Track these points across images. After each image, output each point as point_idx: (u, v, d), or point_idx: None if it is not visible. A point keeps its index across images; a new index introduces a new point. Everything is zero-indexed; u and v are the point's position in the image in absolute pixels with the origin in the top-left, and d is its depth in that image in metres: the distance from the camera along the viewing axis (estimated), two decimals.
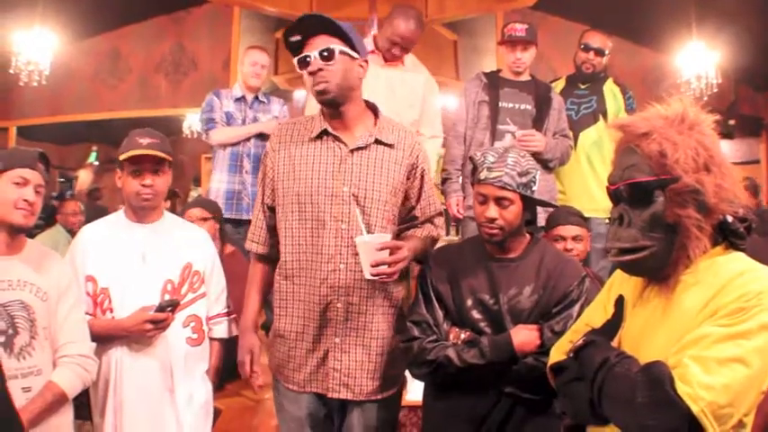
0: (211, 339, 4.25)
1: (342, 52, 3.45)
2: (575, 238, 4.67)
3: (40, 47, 9.53)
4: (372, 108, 3.72)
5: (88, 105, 11.66)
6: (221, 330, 4.28)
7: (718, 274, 2.20)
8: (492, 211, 3.36)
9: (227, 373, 5.66)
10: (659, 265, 2.31)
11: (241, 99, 7.20)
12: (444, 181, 5.95)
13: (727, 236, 2.28)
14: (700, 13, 8.65)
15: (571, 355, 2.49)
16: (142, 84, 11.53)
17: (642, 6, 9.08)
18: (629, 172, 2.34)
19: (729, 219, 2.27)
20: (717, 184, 2.22)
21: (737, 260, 2.25)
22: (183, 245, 4.12)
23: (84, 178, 13.54)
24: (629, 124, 2.40)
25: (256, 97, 7.24)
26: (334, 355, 3.55)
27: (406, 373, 3.77)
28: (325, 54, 3.42)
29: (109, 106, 11.64)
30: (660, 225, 2.26)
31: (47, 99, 11.00)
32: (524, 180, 3.36)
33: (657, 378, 2.10)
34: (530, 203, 3.46)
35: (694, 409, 2.02)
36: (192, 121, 11.47)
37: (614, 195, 2.40)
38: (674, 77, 9.36)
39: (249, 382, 3.81)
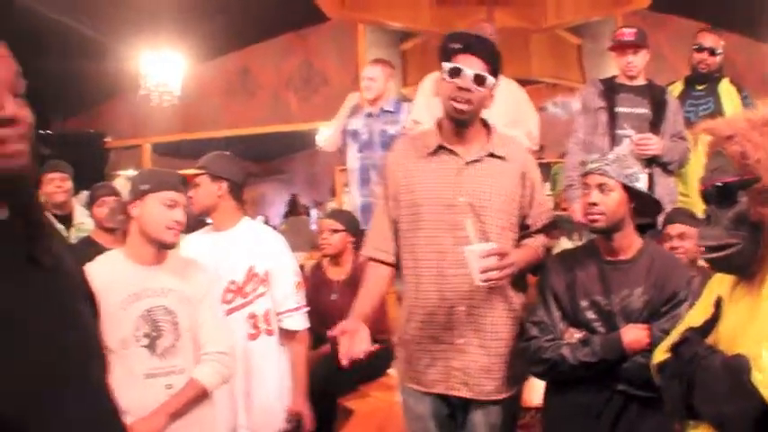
0: (286, 332, 4.67)
1: (489, 82, 3.64)
2: (680, 236, 4.73)
3: (168, 68, 9.85)
4: (485, 124, 3.88)
5: (220, 122, 11.94)
6: (292, 323, 4.66)
7: None
8: (594, 196, 3.56)
9: (359, 375, 5.92)
10: (745, 263, 2.40)
11: (369, 114, 7.35)
12: (568, 187, 6.01)
13: None
14: None
15: (669, 352, 2.62)
16: (273, 100, 11.78)
17: (763, 1, 8.96)
18: (715, 174, 2.45)
19: None
20: None
21: None
22: (248, 249, 4.49)
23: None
24: (714, 128, 2.52)
25: (382, 108, 7.33)
26: (457, 356, 3.72)
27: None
28: (478, 78, 3.60)
29: (240, 122, 11.93)
30: (745, 223, 2.35)
31: (179, 116, 11.25)
32: (626, 172, 3.58)
33: (735, 368, 2.22)
34: (635, 197, 3.62)
35: (767, 395, 2.11)
36: (323, 135, 11.75)
37: (704, 196, 2.51)
38: None
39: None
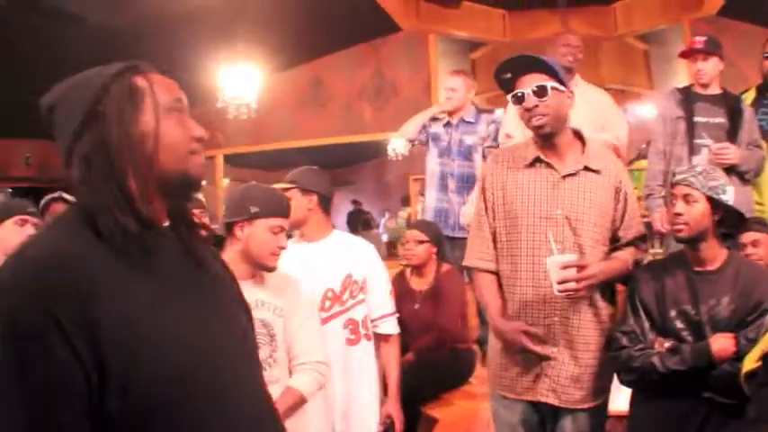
0: (381, 337, 4.81)
1: (553, 88, 3.73)
2: (754, 244, 4.77)
3: (244, 81, 9.96)
4: (579, 136, 3.98)
5: (292, 132, 12.11)
6: (387, 327, 4.82)
7: None
8: (679, 207, 3.69)
9: (442, 383, 6.02)
10: None
11: (449, 124, 7.44)
12: (648, 197, 6.04)
13: None
14: None
15: (760, 362, 2.72)
16: (345, 110, 11.94)
17: None
18: None
19: None
20: None
21: None
22: (345, 258, 4.62)
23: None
24: None
25: (462, 119, 7.40)
26: (548, 364, 3.81)
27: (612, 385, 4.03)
28: (538, 91, 3.71)
29: (312, 133, 12.09)
30: None
31: (251, 128, 11.35)
32: (711, 184, 3.69)
33: None
34: (719, 209, 3.73)
35: None
36: (395, 144, 11.81)
37: None
38: None
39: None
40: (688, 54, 6.03)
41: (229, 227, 3.84)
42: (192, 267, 1.96)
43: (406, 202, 12.71)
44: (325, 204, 4.67)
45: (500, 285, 4.00)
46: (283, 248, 3.82)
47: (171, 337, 1.77)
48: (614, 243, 3.98)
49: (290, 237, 4.57)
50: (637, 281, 3.89)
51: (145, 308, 1.74)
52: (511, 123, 6.17)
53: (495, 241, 4.01)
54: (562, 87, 3.78)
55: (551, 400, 3.84)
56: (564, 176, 3.84)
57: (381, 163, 13.19)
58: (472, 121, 7.42)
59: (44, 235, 1.82)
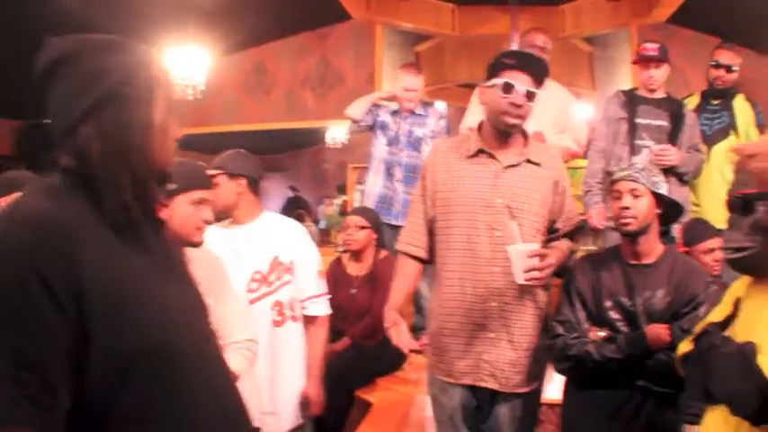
0: (309, 318, 4.78)
1: (536, 97, 3.84)
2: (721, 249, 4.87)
3: (193, 63, 9.88)
4: (523, 132, 4.04)
5: (236, 116, 11.95)
6: (316, 308, 4.79)
7: None
8: (626, 201, 3.78)
9: (376, 369, 6.06)
10: (760, 264, 2.65)
11: (397, 113, 7.51)
12: (586, 193, 6.15)
13: None
14: None
15: (691, 343, 2.85)
16: (289, 96, 11.85)
17: None
18: (738, 186, 2.73)
19: None
20: None
21: None
22: (272, 240, 4.61)
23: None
24: (742, 148, 2.81)
25: (412, 111, 7.47)
26: (487, 349, 3.86)
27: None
28: (530, 95, 3.79)
29: (255, 118, 12.00)
30: (761, 229, 2.60)
31: (194, 111, 11.25)
32: (653, 180, 3.82)
33: (744, 352, 2.46)
34: (660, 203, 3.85)
35: None
36: (335, 133, 11.79)
37: (728, 205, 2.77)
38: None
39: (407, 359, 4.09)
40: (641, 61, 6.15)
41: None
42: (165, 246, 2.06)
43: (342, 190, 12.69)
44: (254, 187, 4.66)
45: (434, 274, 4.06)
46: (208, 222, 3.72)
47: (153, 306, 1.84)
48: (551, 234, 4.07)
49: (219, 221, 4.59)
50: (573, 272, 3.99)
51: (129, 277, 1.80)
52: (472, 119, 6.22)
53: (432, 228, 4.06)
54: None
55: (491, 384, 3.89)
56: (506, 167, 3.90)
57: (320, 150, 13.16)
58: (422, 113, 7.52)
59: (32, 199, 1.84)
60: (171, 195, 3.62)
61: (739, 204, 2.70)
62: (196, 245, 3.72)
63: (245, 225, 4.63)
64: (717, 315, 2.92)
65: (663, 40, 6.42)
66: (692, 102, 6.68)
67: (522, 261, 3.61)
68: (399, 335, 3.93)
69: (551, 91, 6.23)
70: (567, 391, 4.00)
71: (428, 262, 4.13)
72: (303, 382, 4.78)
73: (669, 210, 3.94)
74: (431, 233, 4.07)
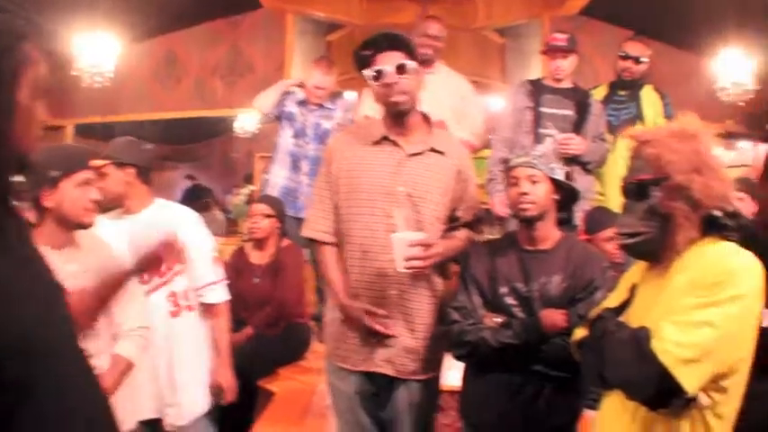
0: (207, 306, 4.75)
1: (411, 67, 3.79)
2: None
3: (102, 49, 9.71)
4: (426, 119, 4.04)
5: (146, 105, 11.82)
6: (213, 296, 4.75)
7: (703, 256, 2.55)
8: (525, 186, 3.74)
9: (279, 358, 6.00)
10: (655, 249, 2.69)
11: (304, 103, 7.45)
12: (489, 181, 6.19)
13: (718, 228, 2.60)
14: (740, 19, 8.65)
15: (586, 329, 2.86)
16: (199, 85, 11.71)
17: (685, 11, 8.99)
18: (633, 172, 2.75)
19: (717, 213, 2.60)
20: (705, 184, 2.58)
21: (723, 247, 2.58)
22: (165, 229, 4.44)
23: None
24: (637, 135, 2.84)
25: (321, 104, 7.44)
26: (384, 336, 3.86)
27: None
28: (399, 68, 3.76)
29: (165, 106, 11.88)
30: (655, 215, 2.65)
31: (104, 99, 11.07)
32: (550, 166, 3.80)
33: (638, 338, 2.48)
34: (557, 189, 3.84)
35: (665, 360, 2.37)
36: (244, 122, 11.70)
37: (623, 191, 2.81)
38: (711, 83, 9.39)
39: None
40: (549, 51, 6.19)
41: (37, 202, 3.58)
42: (27, 242, 1.92)
43: (249, 179, 12.60)
44: (144, 175, 4.61)
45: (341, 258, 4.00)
46: (95, 201, 3.66)
47: (29, 307, 1.75)
48: (452, 222, 4.06)
49: (109, 211, 4.50)
50: (469, 258, 3.95)
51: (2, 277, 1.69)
52: (368, 105, 6.17)
53: (336, 215, 4.02)
54: (415, 66, 3.84)
55: (387, 370, 3.91)
56: (409, 155, 3.89)
57: (230, 139, 13.08)
58: (330, 106, 7.48)
59: None
60: (55, 181, 3.55)
61: (634, 190, 2.74)
62: (87, 226, 3.69)
63: (136, 215, 4.58)
64: (612, 301, 2.94)
65: (575, 32, 6.43)
66: (599, 92, 6.76)
67: (403, 249, 3.65)
68: (372, 321, 3.87)
69: (449, 79, 6.26)
70: (465, 378, 3.97)
71: (337, 245, 4.08)
72: (204, 372, 4.75)
73: (566, 196, 3.92)
74: (335, 219, 4.04)
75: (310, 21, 10.71)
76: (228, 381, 4.80)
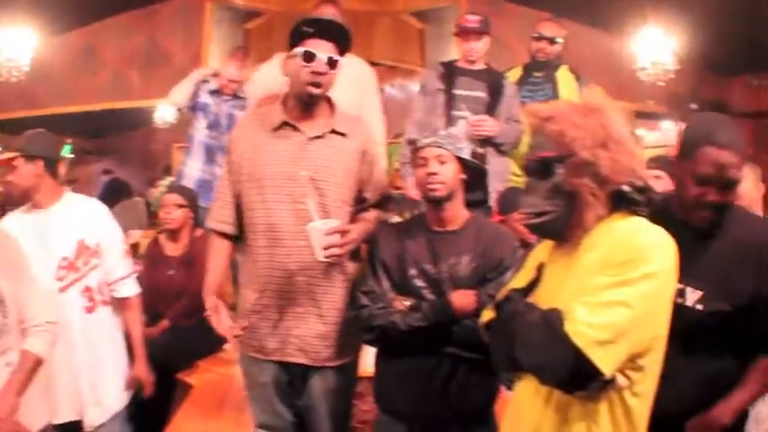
0: (120, 300, 4.71)
1: (340, 65, 3.79)
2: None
3: (19, 43, 9.58)
4: (329, 101, 4.00)
5: (63, 99, 11.63)
6: (125, 290, 4.72)
7: (612, 233, 2.50)
8: (434, 167, 3.69)
9: (196, 350, 5.94)
10: (561, 228, 2.62)
11: (217, 93, 7.38)
12: (403, 165, 6.12)
13: (626, 204, 2.56)
14: None
15: (493, 311, 2.77)
16: (116, 76, 11.54)
17: None
18: (535, 150, 2.66)
19: (626, 188, 2.54)
20: (612, 159, 2.50)
21: (632, 222, 2.54)
22: (76, 223, 4.48)
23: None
24: (537, 111, 2.73)
25: (235, 94, 7.38)
26: (296, 324, 3.85)
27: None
28: (331, 63, 3.75)
29: (83, 99, 11.65)
30: (560, 193, 2.56)
31: (23, 93, 10.98)
32: (458, 146, 3.77)
33: (550, 320, 2.40)
34: (467, 168, 3.80)
35: (579, 342, 2.30)
36: (163, 113, 11.62)
37: (525, 169, 2.72)
38: (631, 63, 9.45)
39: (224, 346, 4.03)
40: (461, 33, 6.13)
41: None
42: None
43: (168, 171, 12.47)
44: (53, 168, 4.53)
45: (247, 251, 4.01)
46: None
47: None
48: (360, 204, 4.04)
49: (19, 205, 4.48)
50: (376, 240, 3.91)
51: None
52: (261, 85, 6.14)
53: (240, 204, 4.00)
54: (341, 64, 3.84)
55: (300, 359, 3.90)
56: (310, 138, 3.86)
57: (150, 131, 12.94)
58: (243, 95, 7.36)
59: None
60: None
61: (537, 168, 2.65)
62: None
63: (46, 209, 4.49)
64: (519, 281, 2.88)
65: (493, 16, 6.43)
66: (514, 74, 6.76)
67: (320, 238, 3.62)
68: (219, 321, 3.89)
69: (347, 64, 6.20)
70: (377, 362, 3.92)
71: (238, 238, 4.07)
72: (123, 368, 4.72)
73: (474, 176, 3.89)
74: (239, 209, 4.00)
75: (228, 9, 10.65)
76: (145, 375, 4.77)
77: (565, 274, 2.60)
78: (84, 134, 13.29)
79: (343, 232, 3.69)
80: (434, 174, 3.69)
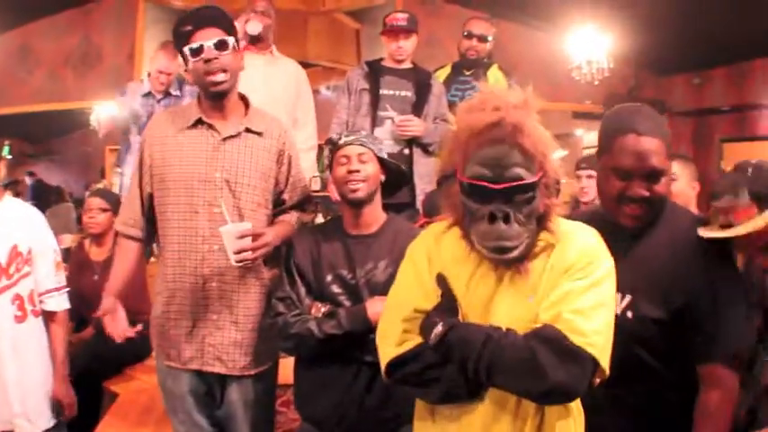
0: (48, 313, 4.52)
1: (231, 43, 3.68)
2: None
3: None
4: (243, 99, 3.93)
5: (1, 101, 11.55)
6: (54, 304, 4.53)
7: (565, 239, 2.48)
8: (356, 164, 3.65)
9: (123, 358, 5.85)
10: (529, 252, 2.48)
11: (148, 95, 7.24)
12: (327, 167, 6.00)
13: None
14: None
15: (432, 343, 2.52)
16: (51, 78, 11.37)
17: None
18: (510, 167, 2.39)
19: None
20: (553, 164, 2.46)
21: (569, 225, 2.55)
22: (11, 228, 4.32)
23: None
24: (501, 105, 2.44)
25: (168, 92, 7.24)
26: (210, 332, 3.79)
27: None
28: (219, 44, 3.63)
29: (20, 101, 11.50)
30: (534, 216, 2.44)
31: None
32: (378, 145, 3.78)
33: (552, 337, 2.31)
34: (387, 169, 3.79)
35: (594, 352, 2.28)
36: (98, 114, 11.53)
37: (500, 194, 2.41)
38: (567, 63, 9.45)
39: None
40: (389, 32, 6.07)
41: None
42: None
43: (103, 173, 12.34)
44: None
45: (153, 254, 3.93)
46: None
47: None
48: (279, 206, 3.99)
49: None
50: (292, 246, 3.83)
51: None
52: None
53: (151, 206, 3.92)
54: (234, 42, 3.73)
55: (217, 368, 3.84)
56: (224, 138, 3.79)
57: (84, 134, 12.80)
58: (177, 93, 7.28)
59: None
60: None
61: (518, 193, 2.40)
62: None
63: None
64: (413, 298, 2.69)
65: (429, 16, 6.40)
66: (443, 73, 6.72)
67: (233, 242, 3.53)
68: (112, 323, 3.86)
69: (280, 64, 6.15)
70: (297, 369, 3.85)
71: (145, 242, 4.01)
72: (50, 380, 4.56)
73: (393, 177, 3.87)
74: (151, 210, 3.92)
75: (164, 8, 10.58)
76: (65, 394, 4.61)
77: (507, 284, 2.50)
78: (22, 136, 13.15)
79: (257, 235, 3.61)
80: (356, 171, 3.64)
